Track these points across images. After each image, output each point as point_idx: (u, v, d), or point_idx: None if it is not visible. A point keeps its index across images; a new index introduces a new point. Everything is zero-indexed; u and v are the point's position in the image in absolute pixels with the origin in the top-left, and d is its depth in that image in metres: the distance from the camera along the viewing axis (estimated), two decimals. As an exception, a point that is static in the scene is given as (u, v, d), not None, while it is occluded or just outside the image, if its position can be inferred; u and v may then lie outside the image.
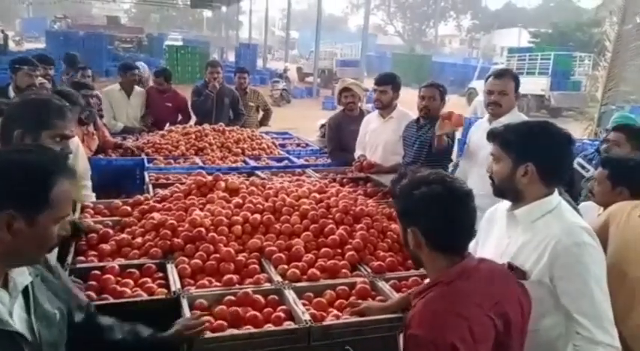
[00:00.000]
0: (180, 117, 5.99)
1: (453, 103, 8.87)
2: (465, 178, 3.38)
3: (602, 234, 2.44)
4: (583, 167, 3.58)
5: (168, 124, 5.54)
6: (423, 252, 1.60)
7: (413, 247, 1.62)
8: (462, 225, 1.57)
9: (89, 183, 3.34)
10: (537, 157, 1.79)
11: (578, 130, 10.28)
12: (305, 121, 11.41)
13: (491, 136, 1.91)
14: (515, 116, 3.08)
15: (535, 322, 1.73)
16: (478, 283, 1.53)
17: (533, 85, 18.76)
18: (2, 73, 9.12)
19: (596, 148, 3.77)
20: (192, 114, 6.08)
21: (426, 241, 1.57)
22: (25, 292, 1.34)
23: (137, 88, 5.99)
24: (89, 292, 2.19)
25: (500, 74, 3.23)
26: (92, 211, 3.10)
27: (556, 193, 1.85)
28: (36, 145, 1.58)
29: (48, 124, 1.85)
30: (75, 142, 3.11)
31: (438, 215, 1.53)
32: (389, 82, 4.21)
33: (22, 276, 1.34)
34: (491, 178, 1.93)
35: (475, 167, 3.25)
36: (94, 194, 3.33)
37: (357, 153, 4.40)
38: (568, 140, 1.83)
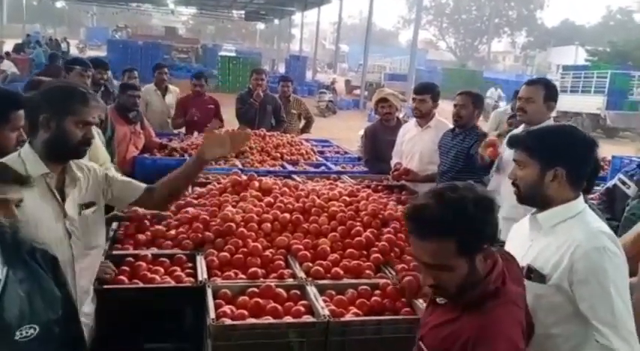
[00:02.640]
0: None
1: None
2: (497, 189, 3.34)
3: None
4: (624, 183, 3.45)
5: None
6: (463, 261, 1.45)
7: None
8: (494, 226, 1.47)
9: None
10: (567, 160, 1.76)
11: (632, 151, 9.89)
12: (349, 132, 11.47)
13: (514, 142, 1.88)
14: None
15: (551, 327, 1.70)
16: (511, 285, 1.52)
17: (587, 103, 18.19)
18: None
19: (637, 163, 3.64)
20: (223, 118, 6.16)
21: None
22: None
23: (171, 87, 6.22)
24: (121, 277, 2.32)
25: (532, 82, 3.23)
26: (132, 204, 3.25)
27: (581, 198, 1.82)
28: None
29: (74, 110, 1.88)
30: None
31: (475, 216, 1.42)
32: (428, 92, 4.22)
33: None
34: (515, 185, 1.89)
35: (507, 178, 3.21)
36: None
37: (394, 161, 4.41)
38: (594, 142, 1.81)
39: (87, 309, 2.08)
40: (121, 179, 2.18)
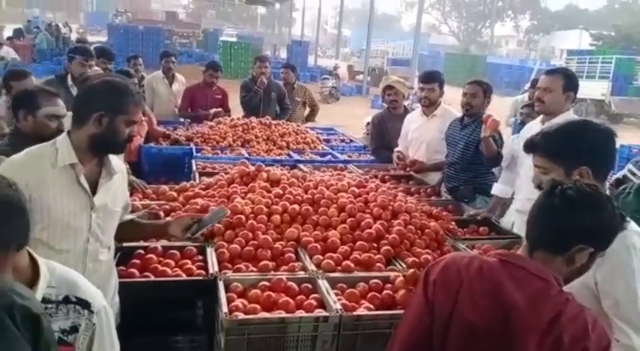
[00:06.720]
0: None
1: (507, 105, 8.68)
2: (510, 182, 3.31)
3: None
4: (634, 174, 3.42)
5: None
6: None
7: None
8: None
9: None
10: (590, 158, 1.73)
11: (638, 138, 9.84)
12: (353, 119, 11.42)
13: (531, 147, 1.83)
14: (569, 118, 2.98)
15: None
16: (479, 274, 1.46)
17: (592, 89, 18.03)
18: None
19: (649, 153, 3.61)
20: (230, 108, 6.12)
21: None
22: None
23: (178, 76, 6.19)
24: (132, 270, 2.31)
25: (551, 71, 3.18)
26: (140, 195, 3.25)
27: (607, 192, 1.80)
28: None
29: (126, 109, 1.89)
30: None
31: None
32: (436, 80, 4.19)
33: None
34: (540, 188, 1.80)
35: (525, 169, 3.18)
36: None
37: (398, 149, 4.37)
38: (612, 133, 1.78)
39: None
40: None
